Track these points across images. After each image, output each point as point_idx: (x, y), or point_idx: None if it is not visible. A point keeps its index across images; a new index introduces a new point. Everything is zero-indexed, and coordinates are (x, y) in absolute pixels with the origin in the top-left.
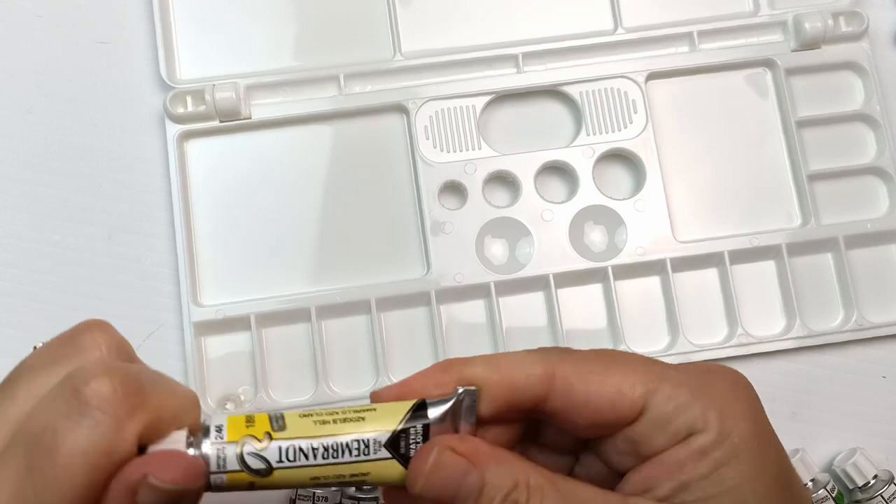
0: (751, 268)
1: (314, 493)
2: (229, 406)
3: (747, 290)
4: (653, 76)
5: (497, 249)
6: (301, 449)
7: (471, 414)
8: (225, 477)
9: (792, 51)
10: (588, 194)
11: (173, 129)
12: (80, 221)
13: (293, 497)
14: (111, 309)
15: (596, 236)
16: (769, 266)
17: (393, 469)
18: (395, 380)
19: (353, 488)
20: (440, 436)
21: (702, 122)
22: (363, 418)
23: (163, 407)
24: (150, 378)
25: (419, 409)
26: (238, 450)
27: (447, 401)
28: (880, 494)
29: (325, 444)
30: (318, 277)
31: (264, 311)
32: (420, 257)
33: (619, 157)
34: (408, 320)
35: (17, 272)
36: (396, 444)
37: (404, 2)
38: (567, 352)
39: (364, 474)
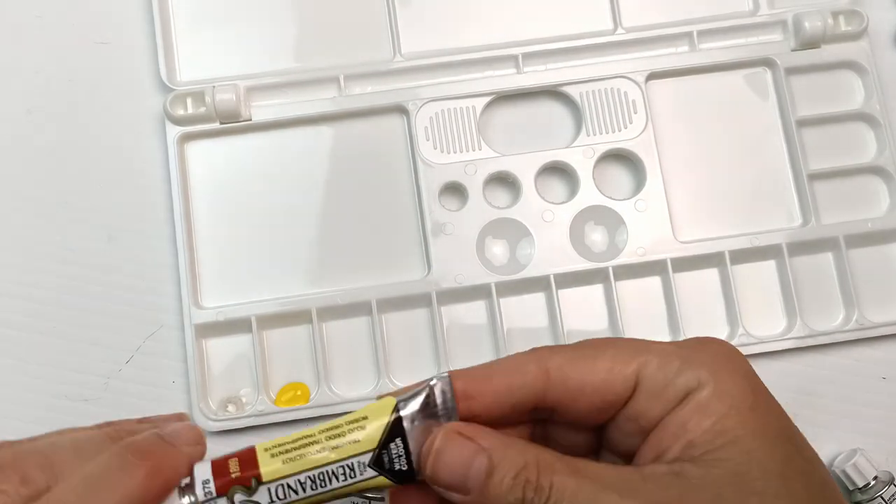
0: (751, 268)
1: None
2: (230, 408)
3: (748, 291)
4: (653, 76)
5: (498, 250)
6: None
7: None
8: None
9: (792, 50)
10: (588, 195)
11: (173, 131)
12: (80, 222)
13: None
14: (111, 309)
15: (596, 237)
16: (770, 266)
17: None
18: (396, 381)
19: None
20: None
21: (702, 121)
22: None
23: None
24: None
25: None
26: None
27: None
28: (880, 496)
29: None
30: (318, 279)
31: (265, 313)
32: (421, 258)
33: (620, 157)
34: (409, 321)
35: (17, 273)
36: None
37: (404, 2)
38: (555, 346)
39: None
